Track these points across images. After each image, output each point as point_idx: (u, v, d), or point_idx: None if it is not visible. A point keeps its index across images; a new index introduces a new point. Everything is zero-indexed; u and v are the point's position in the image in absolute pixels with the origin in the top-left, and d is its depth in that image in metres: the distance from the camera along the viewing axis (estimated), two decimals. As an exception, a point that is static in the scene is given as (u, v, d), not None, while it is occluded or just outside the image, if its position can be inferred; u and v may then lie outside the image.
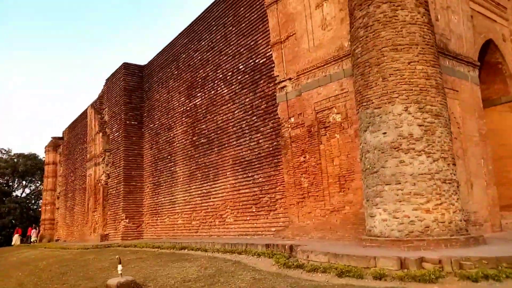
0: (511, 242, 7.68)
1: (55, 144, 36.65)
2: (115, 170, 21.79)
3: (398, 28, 7.77)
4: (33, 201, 51.87)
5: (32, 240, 35.32)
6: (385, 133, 7.75)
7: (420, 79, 7.67)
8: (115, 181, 21.61)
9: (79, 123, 31.59)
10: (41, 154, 49.55)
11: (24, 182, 51.45)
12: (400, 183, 7.47)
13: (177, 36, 19.27)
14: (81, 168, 29.82)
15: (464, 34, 10.45)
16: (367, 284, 5.43)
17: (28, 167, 49.06)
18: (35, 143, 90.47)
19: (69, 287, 8.62)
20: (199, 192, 16.74)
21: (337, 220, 9.86)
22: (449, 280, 5.22)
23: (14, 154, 51.38)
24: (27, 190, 51.98)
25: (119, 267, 7.45)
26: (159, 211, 19.71)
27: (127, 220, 20.56)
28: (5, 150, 51.48)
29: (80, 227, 27.93)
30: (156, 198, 20.10)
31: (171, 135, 19.30)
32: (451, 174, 7.56)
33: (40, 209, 53.63)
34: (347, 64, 9.73)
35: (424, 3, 8.07)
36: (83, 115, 30.34)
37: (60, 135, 36.50)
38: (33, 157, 51.11)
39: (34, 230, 36.60)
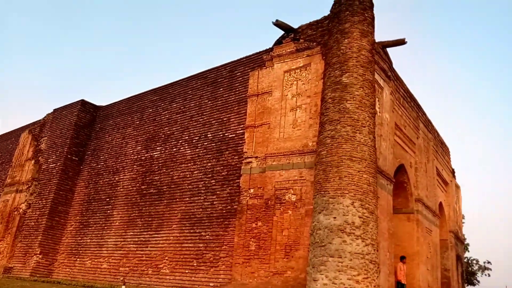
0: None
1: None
2: (40, 202, 21.12)
3: (355, 145, 10.98)
4: None
5: None
6: (335, 217, 10.45)
7: (364, 184, 10.76)
8: (37, 212, 20.85)
9: (-5, 143, 29.66)
10: None
11: None
12: (341, 257, 10.03)
13: (147, 91, 21.07)
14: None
15: (388, 157, 14.30)
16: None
17: None
18: None
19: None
20: (136, 239, 17.41)
21: (279, 282, 11.90)
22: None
23: None
24: None
25: (123, 287, 8.39)
26: (80, 252, 19.40)
27: (40, 256, 19.68)
28: None
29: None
30: (80, 238, 19.85)
31: (116, 179, 19.98)
32: (375, 257, 10.40)
33: None
34: (308, 158, 12.66)
35: (373, 132, 11.55)
36: (4, 137, 28.83)
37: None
38: None
39: None
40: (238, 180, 14.68)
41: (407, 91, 17.64)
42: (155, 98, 20.35)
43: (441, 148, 22.81)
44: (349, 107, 11.21)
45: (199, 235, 15.23)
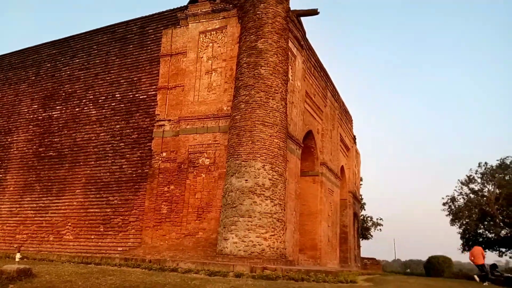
0: (308, 266, 11.51)
1: None
2: None
3: (268, 111, 11.29)
4: None
5: None
6: (246, 180, 10.80)
7: (275, 149, 11.22)
8: None
9: None
10: None
11: None
12: (251, 217, 10.49)
13: (44, 43, 18.81)
14: None
15: (298, 123, 15.01)
16: (231, 280, 7.89)
17: None
18: None
19: None
20: (34, 205, 16.06)
21: (190, 243, 12.07)
22: (281, 279, 8.24)
23: None
24: None
25: (18, 255, 7.62)
26: (-33, 220, 17.28)
27: None
28: None
29: None
30: (-34, 205, 17.61)
31: (8, 140, 17.93)
32: (282, 216, 11.08)
33: None
34: (223, 123, 12.70)
35: (285, 99, 11.96)
36: None
37: None
38: None
39: None
40: (149, 144, 14.19)
41: (318, 61, 18.44)
42: (53, 51, 18.27)
43: (345, 116, 24.65)
44: (263, 73, 11.38)
45: (106, 200, 14.56)
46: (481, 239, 29.04)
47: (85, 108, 16.44)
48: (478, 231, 28.33)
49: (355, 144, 27.81)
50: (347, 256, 22.59)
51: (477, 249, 15.22)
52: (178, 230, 12.44)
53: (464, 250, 29.53)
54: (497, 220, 26.04)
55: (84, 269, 9.00)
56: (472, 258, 15.04)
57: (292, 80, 14.26)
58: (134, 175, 14.36)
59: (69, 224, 14.96)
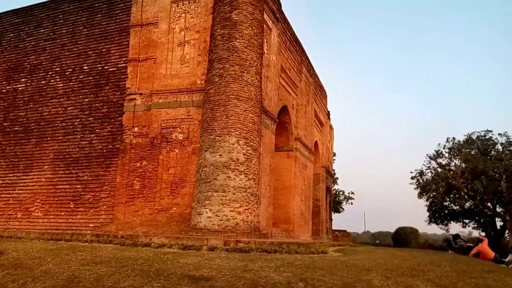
0: (281, 239, 11.73)
1: None
2: None
3: (242, 85, 11.12)
4: None
5: None
6: (221, 155, 10.72)
7: (249, 123, 11.13)
8: None
9: None
10: None
11: None
12: (225, 192, 10.48)
13: (6, 12, 17.70)
14: None
15: (273, 98, 14.92)
16: (204, 253, 7.93)
17: None
18: None
19: None
20: (0, 181, 15.49)
21: (164, 218, 12.01)
22: (255, 251, 8.35)
23: None
24: None
25: None
26: None
27: None
28: None
29: None
30: None
31: (-31, 114, 16.97)
32: (256, 190, 11.14)
33: None
34: (197, 97, 12.45)
35: (260, 73, 11.79)
36: None
37: None
38: None
39: None
40: (120, 118, 13.80)
41: (293, 34, 18.20)
42: (16, 21, 17.21)
43: (320, 92, 24.71)
44: (238, 45, 11.13)
45: (76, 176, 14.19)
46: (446, 211, 30.37)
47: (51, 80, 15.72)
48: (444, 203, 29.57)
49: (329, 120, 28.07)
50: (319, 229, 23.18)
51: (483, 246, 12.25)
52: (151, 205, 12.32)
53: (430, 222, 30.84)
54: (462, 193, 27.19)
55: (53, 246, 8.80)
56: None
57: (267, 54, 14.05)
58: (104, 151, 14.01)
59: (38, 200, 14.56)
